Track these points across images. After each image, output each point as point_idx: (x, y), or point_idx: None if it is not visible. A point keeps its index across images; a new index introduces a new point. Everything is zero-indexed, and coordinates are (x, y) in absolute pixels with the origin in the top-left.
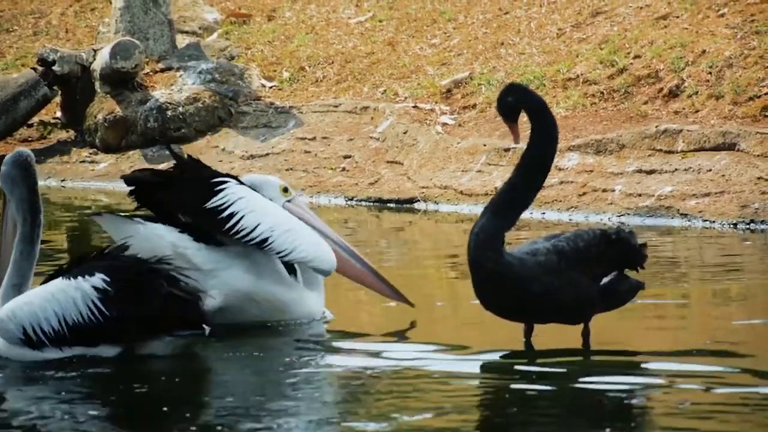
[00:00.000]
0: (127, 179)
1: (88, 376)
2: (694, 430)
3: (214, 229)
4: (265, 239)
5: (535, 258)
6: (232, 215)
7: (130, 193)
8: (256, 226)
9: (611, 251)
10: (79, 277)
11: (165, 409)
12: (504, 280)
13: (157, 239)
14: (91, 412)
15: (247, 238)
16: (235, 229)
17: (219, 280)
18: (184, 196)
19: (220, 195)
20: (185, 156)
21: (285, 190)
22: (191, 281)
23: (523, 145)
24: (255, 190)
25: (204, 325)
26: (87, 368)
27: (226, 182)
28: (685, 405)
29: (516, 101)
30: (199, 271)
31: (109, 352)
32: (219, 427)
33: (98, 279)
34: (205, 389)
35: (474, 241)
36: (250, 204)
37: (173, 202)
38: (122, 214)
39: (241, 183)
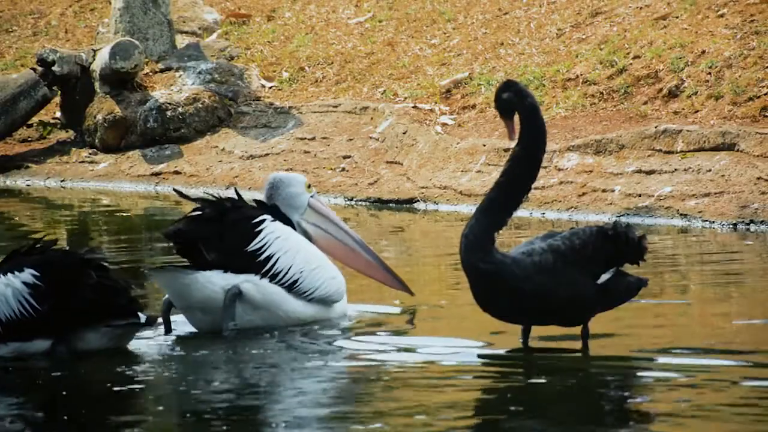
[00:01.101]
0: (168, 235)
1: (74, 376)
2: (693, 427)
3: (250, 269)
4: (295, 282)
5: (530, 258)
6: (269, 258)
7: (174, 247)
8: (289, 269)
9: (609, 246)
10: (9, 274)
11: (160, 408)
12: (496, 281)
13: (211, 286)
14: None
15: (281, 281)
16: (272, 272)
17: (260, 304)
18: (226, 241)
19: (260, 237)
20: (221, 198)
21: (308, 186)
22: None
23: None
24: (282, 186)
25: (138, 314)
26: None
27: (263, 221)
28: (684, 402)
29: (510, 99)
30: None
31: (45, 345)
32: (226, 425)
33: (28, 274)
34: (215, 385)
35: (464, 243)
36: (284, 244)
37: (212, 246)
38: (178, 266)
39: (274, 214)
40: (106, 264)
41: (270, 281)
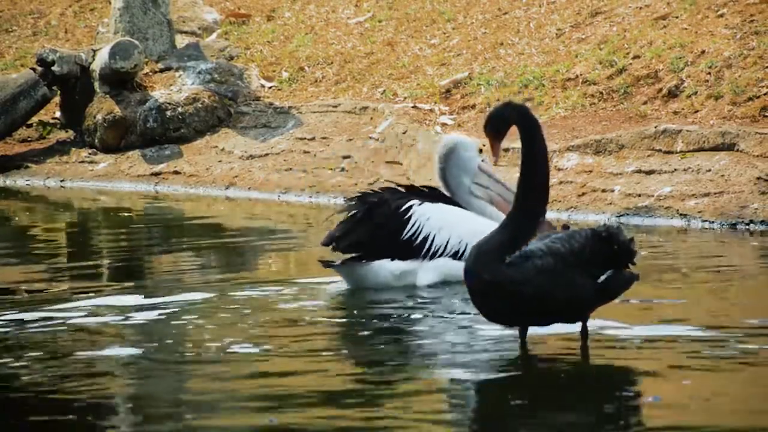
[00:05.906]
0: (326, 243)
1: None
2: (696, 423)
3: (413, 253)
4: (457, 252)
5: (530, 261)
6: (425, 239)
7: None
8: (447, 243)
9: (606, 248)
10: None
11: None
12: (496, 287)
13: (383, 271)
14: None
15: (443, 254)
16: (432, 251)
17: (438, 279)
18: (381, 236)
19: (411, 224)
20: (366, 195)
21: (480, 150)
22: None
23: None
24: (459, 149)
25: None
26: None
27: (410, 207)
28: (690, 398)
29: (510, 117)
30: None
31: None
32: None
33: None
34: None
35: (474, 252)
36: (436, 223)
37: (368, 242)
38: (346, 258)
39: (419, 195)
40: None
41: (432, 258)
